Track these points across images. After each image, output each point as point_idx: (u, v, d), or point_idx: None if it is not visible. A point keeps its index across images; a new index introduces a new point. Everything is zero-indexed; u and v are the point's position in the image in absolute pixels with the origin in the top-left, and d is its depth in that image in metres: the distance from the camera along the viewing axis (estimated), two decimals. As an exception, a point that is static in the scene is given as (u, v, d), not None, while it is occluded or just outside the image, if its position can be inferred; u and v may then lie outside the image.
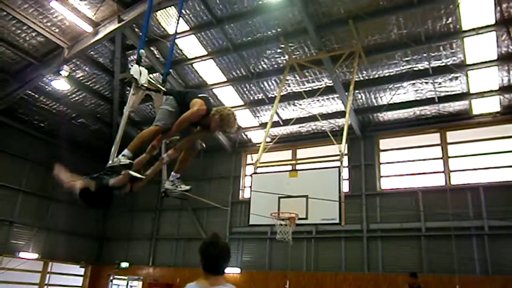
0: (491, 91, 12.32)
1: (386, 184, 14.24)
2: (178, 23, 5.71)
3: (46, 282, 16.73)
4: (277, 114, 14.86)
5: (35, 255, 16.00)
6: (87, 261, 17.88)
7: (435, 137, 13.85)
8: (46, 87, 14.58)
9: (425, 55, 11.79)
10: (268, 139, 13.10)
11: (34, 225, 16.20)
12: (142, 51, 4.67)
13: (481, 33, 10.79)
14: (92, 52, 13.82)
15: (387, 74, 12.77)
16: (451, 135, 13.63)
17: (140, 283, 17.35)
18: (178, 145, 4.87)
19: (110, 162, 4.28)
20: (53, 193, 16.55)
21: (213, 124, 4.59)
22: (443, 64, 11.89)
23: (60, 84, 13.94)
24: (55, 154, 16.70)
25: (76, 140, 17.39)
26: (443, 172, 13.37)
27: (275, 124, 14.59)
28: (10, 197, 15.58)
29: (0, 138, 15.20)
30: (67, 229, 17.10)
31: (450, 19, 10.75)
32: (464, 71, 11.98)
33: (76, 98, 15.59)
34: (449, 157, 13.45)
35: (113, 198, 4.35)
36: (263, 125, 15.56)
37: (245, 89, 14.67)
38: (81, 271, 18.17)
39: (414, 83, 12.79)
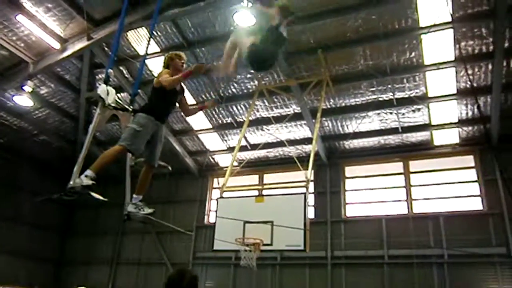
0: (451, 123, 12.87)
1: (351, 211, 14.41)
2: (148, 44, 5.71)
3: (-3, 308, 15.75)
4: (245, 138, 14.89)
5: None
6: (43, 286, 16.96)
7: (398, 166, 14.21)
8: (8, 102, 14.07)
9: (389, 86, 12.22)
10: (236, 163, 13.07)
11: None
12: (110, 70, 4.64)
13: (442, 68, 11.33)
14: (58, 69, 13.51)
15: (353, 103, 13.11)
16: (414, 164, 14.03)
17: (98, 309, 16.60)
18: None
19: (71, 182, 4.15)
20: (9, 213, 15.81)
21: (176, 66, 5.16)
22: (407, 95, 12.35)
23: (23, 100, 13.50)
24: (14, 171, 16.10)
25: (37, 157, 16.80)
26: (406, 200, 13.68)
27: (243, 148, 14.60)
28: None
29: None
30: (22, 252, 16.23)
31: (413, 53, 11.24)
32: (426, 103, 12.48)
33: (39, 114, 15.12)
34: (412, 185, 13.81)
35: None
36: (230, 149, 15.55)
37: (214, 113, 14.68)
38: (36, 296, 17.23)
39: (379, 113, 13.18)
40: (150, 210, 4.79)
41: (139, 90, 5.44)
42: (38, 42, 12.14)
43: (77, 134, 16.05)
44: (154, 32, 11.74)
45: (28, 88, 12.90)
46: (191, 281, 2.70)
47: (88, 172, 4.27)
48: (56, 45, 12.09)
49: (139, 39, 12.45)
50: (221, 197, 11.30)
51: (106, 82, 4.59)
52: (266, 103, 13.70)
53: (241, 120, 14.37)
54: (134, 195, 4.82)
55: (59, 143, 16.64)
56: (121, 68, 13.32)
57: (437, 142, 13.64)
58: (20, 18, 11.12)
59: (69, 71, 13.78)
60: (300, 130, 14.51)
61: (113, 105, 4.54)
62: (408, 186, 13.82)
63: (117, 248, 17.44)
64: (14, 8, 10.88)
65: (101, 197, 4.29)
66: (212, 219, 15.62)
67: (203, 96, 14.01)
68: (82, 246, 18.02)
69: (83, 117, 15.36)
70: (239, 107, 14.27)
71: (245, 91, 13.52)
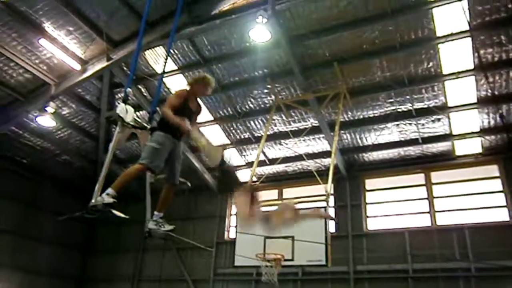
0: (472, 132, 12.62)
1: (372, 224, 14.16)
2: (166, 62, 5.80)
3: (21, 326, 15.89)
4: (264, 153, 14.89)
5: (10, 298, 15.28)
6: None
7: (419, 178, 13.95)
8: (31, 123, 14.43)
9: (408, 97, 12.09)
10: (254, 178, 13.05)
11: (9, 265, 15.53)
12: (129, 90, 4.71)
13: (461, 77, 11.16)
14: (79, 90, 13.82)
15: (371, 115, 13.00)
16: (436, 176, 13.76)
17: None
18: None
19: (93, 200, 4.20)
20: (32, 231, 16.08)
21: (198, 90, 5.13)
22: (426, 106, 12.20)
23: (45, 121, 13.82)
24: (36, 191, 16.41)
25: (59, 177, 17.10)
26: (428, 212, 13.39)
27: (262, 163, 14.60)
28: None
29: (-20, 175, 14.90)
30: (46, 270, 16.45)
31: (431, 63, 11.13)
32: (446, 113, 12.29)
33: (61, 135, 15.45)
34: (434, 197, 13.52)
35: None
36: (249, 164, 15.54)
37: (231, 128, 14.75)
38: (59, 315, 17.35)
39: (398, 124, 13.03)
40: (171, 227, 4.80)
41: (157, 108, 5.49)
42: (59, 65, 12.47)
43: (97, 154, 16.30)
44: (171, 51, 11.94)
45: (50, 109, 13.22)
46: None
47: (109, 190, 4.32)
48: (77, 67, 12.39)
49: (157, 58, 12.67)
50: (241, 212, 11.25)
51: (125, 101, 4.66)
52: (284, 118, 13.70)
53: (259, 135, 14.39)
54: (155, 212, 4.84)
55: (81, 162, 16.94)
56: (139, 86, 13.55)
57: (459, 152, 13.37)
58: (43, 42, 11.47)
59: (90, 92, 14.08)
60: (318, 144, 14.43)
61: (131, 123, 4.61)
62: (430, 198, 13.53)
63: (138, 265, 17.50)
64: (36, 32, 11.23)
65: (122, 215, 4.32)
66: (232, 235, 15.59)
67: (221, 112, 14.12)
68: (104, 263, 18.15)
69: (103, 136, 15.62)
70: (256, 122, 14.31)
71: (262, 106, 13.57)
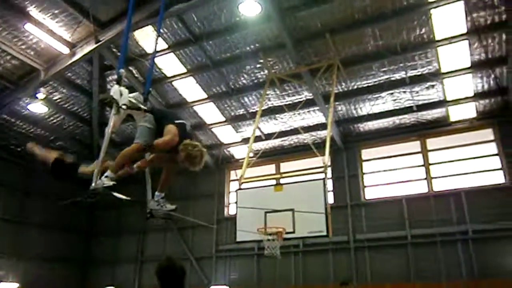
0: (467, 97, 12.65)
1: (370, 193, 14.32)
2: (157, 42, 5.67)
3: (27, 312, 16.14)
4: (259, 128, 14.85)
5: (16, 285, 15.41)
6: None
7: (415, 145, 14.05)
8: (23, 111, 14.27)
9: (401, 65, 12.03)
10: (251, 154, 13.07)
11: (13, 253, 15.64)
12: (122, 70, 4.61)
13: (454, 42, 11.10)
14: (69, 74, 13.62)
15: (365, 85, 12.96)
16: (431, 142, 13.85)
17: (126, 307, 16.89)
18: (149, 159, 4.81)
19: (93, 184, 4.19)
20: (31, 218, 16.12)
21: (179, 158, 4.49)
22: (419, 73, 12.16)
23: (37, 107, 13.68)
24: (32, 178, 16.36)
25: (54, 163, 17.03)
26: (425, 179, 13.54)
27: (258, 139, 14.58)
28: (-15, 226, 15.10)
29: (-25, 165, 14.81)
30: (48, 256, 16.60)
31: (423, 30, 11.03)
32: (439, 79, 12.27)
33: (54, 120, 15.30)
34: (430, 164, 13.65)
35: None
36: (245, 141, 15.55)
37: (226, 105, 14.67)
38: (65, 299, 17.60)
39: (392, 93, 13.01)
40: (172, 206, 4.81)
41: (150, 89, 5.42)
42: (47, 49, 12.24)
43: (92, 138, 16.22)
44: (161, 29, 11.72)
45: (41, 95, 13.06)
46: (181, 266, 3.03)
47: (108, 173, 4.31)
48: (65, 50, 12.16)
49: (145, 37, 12.45)
50: (240, 188, 11.32)
51: (119, 82, 4.58)
52: (278, 92, 13.63)
53: (254, 110, 14.33)
54: (156, 193, 4.84)
55: (75, 147, 16.81)
56: (130, 68, 13.37)
57: (453, 118, 13.42)
58: (28, 26, 11.19)
59: (80, 75, 13.89)
60: (314, 116, 14.41)
61: (127, 105, 4.55)
62: (426, 165, 13.66)
63: (140, 246, 17.69)
64: (21, 17, 10.96)
65: (123, 196, 4.32)
66: (232, 212, 15.73)
67: (214, 89, 14.00)
68: (107, 246, 18.32)
69: (97, 120, 15.51)
70: (250, 98, 14.23)
71: (256, 81, 13.46)
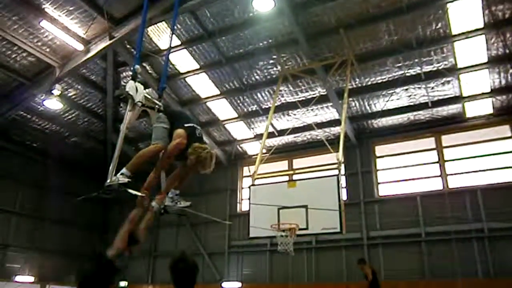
0: (483, 93, 12.43)
1: (384, 190, 14.21)
2: (171, 38, 5.67)
3: (43, 305, 16.41)
4: (272, 125, 14.81)
5: (32, 278, 15.68)
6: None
7: (430, 142, 13.88)
8: (38, 107, 14.45)
9: (416, 60, 11.87)
10: (264, 150, 13.04)
11: (30, 247, 15.93)
12: (137, 66, 4.63)
13: (471, 36, 10.90)
14: (84, 70, 13.73)
15: (380, 81, 12.82)
16: (446, 139, 13.67)
17: (140, 302, 17.05)
18: (167, 182, 4.76)
19: (108, 181, 4.20)
20: (47, 213, 16.35)
21: (190, 163, 4.43)
22: (435, 68, 11.98)
23: (53, 104, 13.82)
24: (48, 174, 16.58)
25: (69, 159, 17.24)
26: (440, 176, 13.37)
27: (271, 135, 14.56)
28: (3, 220, 15.37)
29: (-8, 160, 15.03)
30: (64, 250, 16.84)
31: (439, 24, 10.85)
32: (455, 75, 12.07)
33: (69, 117, 15.47)
34: (445, 160, 13.47)
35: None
36: (258, 137, 15.53)
37: (238, 101, 14.65)
38: (79, 292, 17.81)
39: (407, 89, 12.85)
40: (187, 203, 4.81)
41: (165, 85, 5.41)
42: (62, 46, 12.35)
43: (106, 134, 16.36)
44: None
45: (56, 91, 13.20)
46: (193, 260, 3.01)
47: (124, 170, 4.31)
48: (80, 47, 12.27)
49: (159, 34, 12.48)
50: (253, 184, 11.31)
51: (134, 78, 4.59)
52: (291, 88, 13.56)
53: (267, 106, 14.30)
54: (172, 189, 4.84)
55: (90, 143, 17.02)
56: (144, 64, 13.41)
57: (469, 114, 13.21)
58: (44, 23, 11.32)
59: (95, 72, 13.99)
60: (327, 113, 14.32)
61: (142, 101, 4.55)
62: (441, 162, 13.48)
63: (153, 241, 17.81)
64: (37, 14, 11.08)
65: (138, 193, 4.32)
66: (244, 208, 15.74)
67: (226, 85, 13.99)
68: (120, 241, 18.44)
69: (111, 116, 15.63)
70: (263, 94, 14.19)
71: (268, 77, 13.41)
